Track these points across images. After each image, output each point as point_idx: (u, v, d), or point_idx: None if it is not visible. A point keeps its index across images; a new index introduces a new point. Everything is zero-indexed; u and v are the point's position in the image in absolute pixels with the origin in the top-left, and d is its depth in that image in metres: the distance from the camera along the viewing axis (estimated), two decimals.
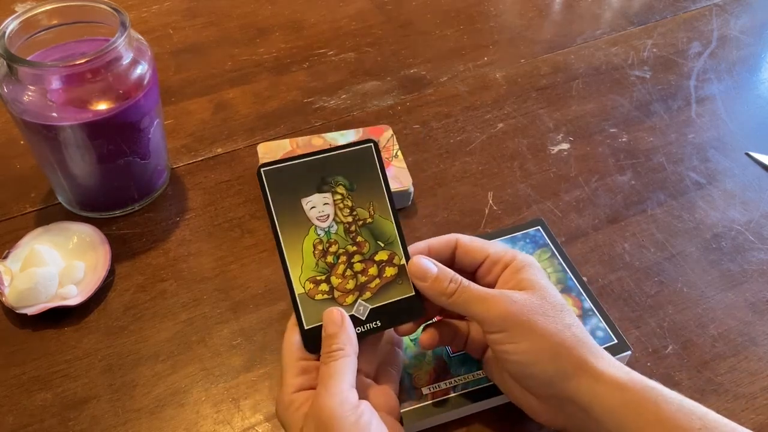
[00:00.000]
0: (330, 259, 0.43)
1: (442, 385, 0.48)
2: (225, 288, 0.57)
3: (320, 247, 0.43)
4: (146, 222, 0.62)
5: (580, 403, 0.40)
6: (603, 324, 0.51)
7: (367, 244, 0.44)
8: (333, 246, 0.44)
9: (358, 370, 0.44)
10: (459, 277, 0.43)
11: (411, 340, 0.50)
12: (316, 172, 0.44)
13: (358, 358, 0.45)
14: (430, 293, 0.43)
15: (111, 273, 0.57)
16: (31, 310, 0.52)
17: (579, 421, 0.41)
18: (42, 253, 0.55)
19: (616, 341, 0.50)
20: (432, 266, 0.43)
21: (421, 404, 0.47)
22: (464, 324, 0.48)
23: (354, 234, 0.44)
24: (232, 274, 0.58)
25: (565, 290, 0.53)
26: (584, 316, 0.52)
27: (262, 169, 0.43)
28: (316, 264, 0.43)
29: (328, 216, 0.44)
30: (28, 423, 0.48)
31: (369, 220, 0.44)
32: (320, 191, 0.44)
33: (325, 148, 0.44)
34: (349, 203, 0.44)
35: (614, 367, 0.40)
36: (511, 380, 0.44)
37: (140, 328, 0.54)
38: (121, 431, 0.48)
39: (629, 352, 0.50)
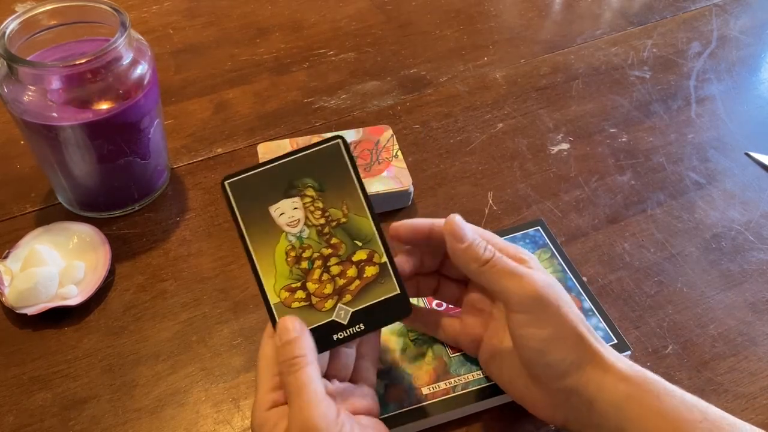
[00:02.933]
0: (304, 264, 0.42)
1: (442, 385, 0.48)
2: (225, 288, 0.57)
3: (293, 254, 0.42)
4: (146, 222, 0.62)
5: (586, 396, 0.40)
6: (603, 324, 0.51)
7: (343, 245, 0.43)
8: (307, 251, 0.42)
9: (334, 377, 0.43)
10: (492, 247, 0.41)
11: (411, 341, 0.50)
12: (283, 177, 0.42)
13: (334, 365, 0.43)
14: (463, 258, 0.41)
15: (111, 273, 0.57)
16: (31, 310, 0.52)
17: (581, 415, 0.41)
18: (42, 253, 0.55)
19: (615, 341, 0.50)
20: (468, 229, 0.42)
21: (421, 404, 0.47)
22: (456, 320, 0.48)
23: (328, 236, 0.43)
24: (232, 274, 0.58)
25: (565, 290, 0.53)
26: (584, 315, 0.52)
27: (226, 182, 0.41)
28: (290, 271, 0.42)
29: (299, 221, 0.42)
30: (28, 423, 0.48)
31: (343, 219, 0.43)
32: (288, 196, 0.42)
33: (291, 150, 0.43)
34: (320, 205, 0.43)
35: (620, 360, 0.40)
36: (512, 375, 0.44)
37: (140, 328, 0.54)
38: (121, 431, 0.48)
39: (629, 352, 0.50)
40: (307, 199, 0.42)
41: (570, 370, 0.40)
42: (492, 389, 0.48)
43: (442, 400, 0.47)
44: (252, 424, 0.40)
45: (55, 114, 0.53)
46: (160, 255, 0.59)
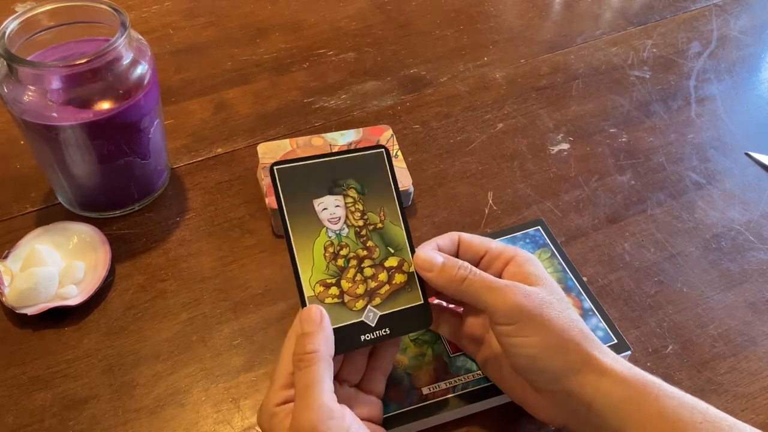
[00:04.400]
0: (341, 262, 0.43)
1: (442, 385, 0.48)
2: (225, 288, 0.57)
3: (331, 250, 0.43)
4: (146, 222, 0.62)
5: (584, 399, 0.40)
6: (603, 324, 0.51)
7: (377, 250, 0.44)
8: (344, 249, 0.43)
9: (343, 381, 0.43)
10: (468, 265, 0.42)
11: (411, 340, 0.50)
12: (328, 174, 0.43)
13: (347, 369, 0.43)
14: (439, 282, 0.42)
15: (111, 273, 0.57)
16: (31, 310, 0.52)
17: (581, 417, 0.41)
18: (42, 253, 0.55)
19: (615, 341, 0.50)
20: (437, 256, 0.43)
21: (421, 404, 0.47)
22: (457, 317, 0.48)
23: (365, 238, 0.44)
24: (232, 274, 0.58)
25: (565, 290, 0.53)
26: (584, 316, 0.52)
27: (275, 167, 0.42)
28: (327, 266, 0.42)
29: (340, 218, 0.43)
30: (28, 423, 0.48)
31: (379, 225, 0.44)
32: (332, 193, 0.43)
33: (337, 151, 0.44)
34: (360, 207, 0.44)
35: (617, 362, 0.40)
36: (511, 377, 0.44)
37: (140, 328, 0.54)
38: (121, 431, 0.48)
39: (629, 352, 0.50)
40: (349, 199, 0.44)
41: (563, 374, 0.40)
42: (492, 389, 0.48)
43: (442, 400, 0.47)
44: (260, 416, 0.40)
45: (55, 114, 0.53)
46: (160, 255, 0.59)
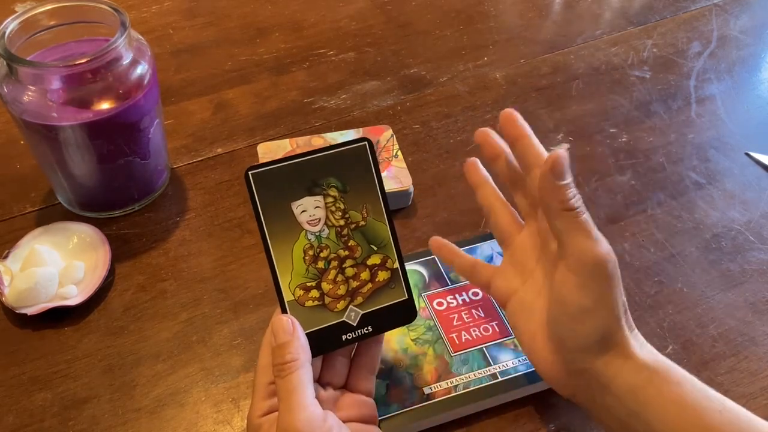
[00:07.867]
0: (321, 264, 0.42)
1: (443, 384, 0.48)
2: (225, 288, 0.57)
3: (311, 253, 0.42)
4: (146, 222, 0.62)
5: (602, 377, 0.39)
6: None
7: (359, 248, 0.43)
8: (324, 251, 0.42)
9: (327, 384, 0.43)
10: (582, 203, 0.40)
11: (412, 341, 0.50)
12: (307, 173, 0.42)
13: (327, 372, 0.43)
14: (553, 193, 0.39)
15: (111, 273, 0.57)
16: (31, 310, 0.52)
17: (592, 393, 0.40)
18: (42, 253, 0.55)
19: None
20: (569, 172, 0.40)
21: (422, 404, 0.47)
22: (491, 267, 0.47)
23: (346, 238, 0.43)
24: (232, 274, 0.58)
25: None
26: None
27: (250, 172, 0.41)
28: (307, 270, 0.42)
29: (320, 220, 0.42)
30: (28, 423, 0.48)
31: (362, 222, 0.43)
32: (311, 194, 0.42)
33: (317, 148, 0.42)
34: (342, 206, 0.43)
35: (644, 347, 0.40)
36: (536, 333, 0.42)
37: (140, 328, 0.54)
38: (121, 431, 0.48)
39: None
40: (330, 199, 0.42)
41: (593, 347, 0.39)
42: (492, 389, 0.48)
43: (443, 399, 0.47)
44: (247, 428, 0.40)
45: (55, 114, 0.53)
46: (160, 255, 0.59)
